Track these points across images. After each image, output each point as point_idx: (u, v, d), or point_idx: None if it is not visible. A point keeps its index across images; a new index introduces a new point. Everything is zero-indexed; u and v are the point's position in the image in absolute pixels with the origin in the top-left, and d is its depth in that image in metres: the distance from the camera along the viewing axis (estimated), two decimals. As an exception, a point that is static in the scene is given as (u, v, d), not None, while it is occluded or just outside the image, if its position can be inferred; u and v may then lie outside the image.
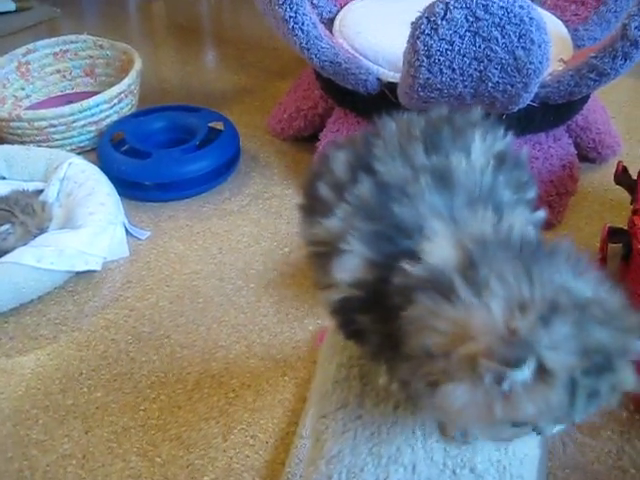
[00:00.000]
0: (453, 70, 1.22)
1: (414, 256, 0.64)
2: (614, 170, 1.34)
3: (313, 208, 0.73)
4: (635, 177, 1.31)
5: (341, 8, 1.70)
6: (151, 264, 1.44)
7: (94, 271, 1.41)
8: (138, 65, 1.83)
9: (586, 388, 0.58)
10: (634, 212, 1.14)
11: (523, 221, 0.71)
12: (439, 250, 0.65)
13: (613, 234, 1.18)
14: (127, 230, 1.50)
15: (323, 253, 0.71)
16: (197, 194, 1.60)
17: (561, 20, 1.67)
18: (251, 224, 1.51)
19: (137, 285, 1.39)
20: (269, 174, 1.66)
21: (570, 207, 1.54)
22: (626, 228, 1.16)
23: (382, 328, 0.66)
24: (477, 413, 0.60)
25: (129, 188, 1.59)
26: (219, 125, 1.68)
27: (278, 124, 1.74)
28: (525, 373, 0.57)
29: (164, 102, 1.90)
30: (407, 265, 0.64)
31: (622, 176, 1.32)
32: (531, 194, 0.74)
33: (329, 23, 1.67)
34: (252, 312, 1.31)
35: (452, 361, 0.59)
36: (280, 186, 1.62)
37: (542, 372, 0.57)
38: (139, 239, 1.50)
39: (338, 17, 1.66)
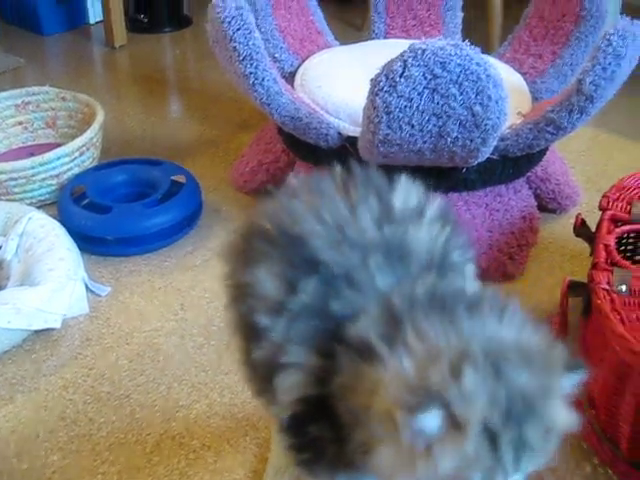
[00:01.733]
0: (412, 126, 1.23)
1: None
2: (573, 222, 1.35)
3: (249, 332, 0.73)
4: (594, 229, 1.32)
5: (303, 61, 1.72)
6: (111, 321, 1.41)
7: (53, 329, 1.38)
8: (100, 117, 1.82)
9: (509, 438, 0.58)
10: (593, 266, 1.15)
11: (467, 277, 0.71)
12: (366, 316, 0.65)
13: (573, 288, 1.18)
14: (87, 286, 1.48)
15: (263, 371, 0.71)
16: (159, 248, 1.59)
17: (519, 73, 1.70)
18: (213, 279, 1.50)
19: (96, 343, 1.37)
20: (232, 228, 1.64)
21: (531, 258, 1.55)
22: (586, 282, 1.17)
23: (336, 433, 0.65)
24: (405, 471, 0.59)
25: (90, 243, 1.57)
26: (181, 178, 1.67)
27: (240, 177, 1.74)
28: (434, 422, 0.57)
29: (127, 154, 1.90)
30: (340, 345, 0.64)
31: (581, 229, 1.33)
32: (471, 251, 0.74)
33: (291, 77, 1.68)
34: (213, 370, 1.29)
35: (374, 420, 0.60)
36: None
37: (454, 423, 0.57)
38: (99, 295, 1.48)
39: (300, 71, 1.68)
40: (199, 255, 1.58)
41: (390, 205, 0.71)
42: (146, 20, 2.84)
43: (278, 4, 1.72)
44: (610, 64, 1.31)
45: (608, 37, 1.32)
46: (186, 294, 1.47)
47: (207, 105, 2.24)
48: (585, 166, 1.93)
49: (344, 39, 1.89)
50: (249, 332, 0.72)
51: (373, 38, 1.88)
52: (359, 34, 2.52)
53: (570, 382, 0.64)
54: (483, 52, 1.71)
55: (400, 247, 0.69)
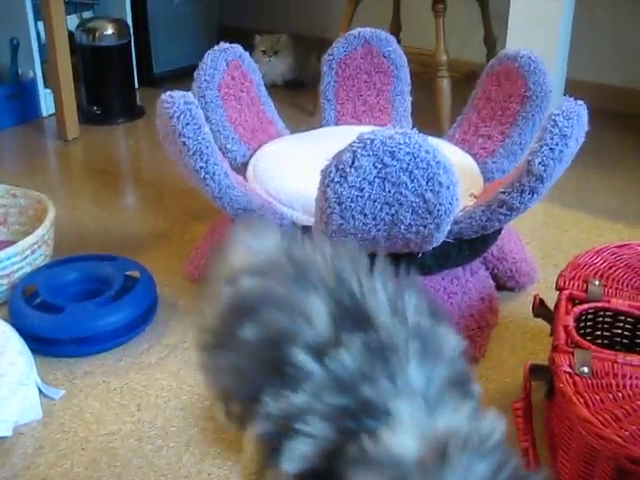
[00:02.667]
0: (365, 215, 1.23)
1: (374, 435, 0.59)
2: (532, 302, 1.35)
3: (280, 373, 0.64)
4: (553, 304, 1.32)
5: (255, 151, 1.72)
6: (65, 426, 1.36)
7: (4, 437, 1.32)
8: (52, 214, 1.79)
9: None
10: (554, 348, 1.14)
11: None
12: (402, 437, 0.59)
13: (535, 371, 1.17)
14: (40, 390, 1.43)
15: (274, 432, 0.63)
16: (114, 347, 1.55)
17: (470, 154, 1.72)
18: (170, 377, 1.46)
19: (50, 450, 1.31)
20: (188, 322, 1.62)
21: (492, 339, 1.54)
22: (547, 364, 1.15)
23: None
24: None
25: (42, 344, 1.52)
26: (136, 273, 1.65)
27: (195, 270, 1.72)
28: None
29: (80, 249, 1.87)
30: (367, 442, 0.58)
31: (540, 309, 1.33)
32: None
33: (243, 167, 1.68)
34: (173, 474, 1.24)
35: None
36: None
37: None
38: (53, 399, 1.42)
39: (252, 161, 1.68)
40: (155, 353, 1.54)
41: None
42: (99, 112, 2.85)
43: (228, 95, 1.73)
44: (557, 144, 1.33)
45: (554, 118, 1.34)
46: (143, 394, 1.42)
47: (161, 196, 2.23)
48: (540, 241, 1.95)
49: (296, 124, 1.91)
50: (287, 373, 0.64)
51: (324, 125, 1.89)
52: (311, 119, 2.54)
53: None
54: (433, 134, 1.75)
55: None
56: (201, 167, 1.37)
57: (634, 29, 2.83)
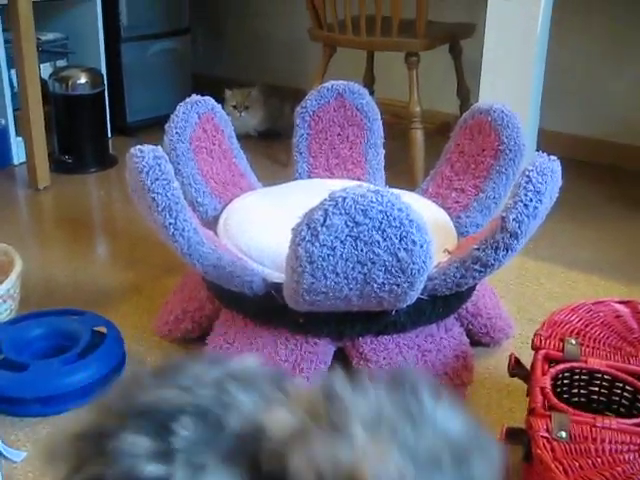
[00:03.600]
0: (337, 274, 1.21)
1: None
2: (507, 362, 1.33)
3: None
4: (528, 361, 1.29)
5: (226, 205, 1.70)
6: (26, 491, 1.31)
7: (-39, 504, 1.27)
8: (18, 267, 1.75)
9: None
10: (530, 412, 1.11)
11: None
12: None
13: (512, 435, 1.14)
14: (1, 452, 1.37)
15: None
16: (80, 406, 1.49)
17: (443, 208, 1.70)
18: (137, 438, 1.41)
19: (10, 518, 1.26)
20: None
21: (468, 397, 1.51)
22: (524, 428, 1.12)
23: None
24: None
25: (4, 403, 1.47)
26: (104, 329, 1.60)
27: (165, 326, 1.68)
28: None
29: (48, 303, 1.82)
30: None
31: (515, 369, 1.30)
32: None
33: (214, 221, 1.65)
34: None
35: None
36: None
37: None
38: (14, 461, 1.37)
39: (223, 215, 1.65)
40: (122, 412, 1.49)
41: None
42: (71, 161, 2.83)
43: (199, 148, 1.71)
44: (532, 200, 1.32)
45: (528, 174, 1.34)
46: (108, 458, 1.37)
47: (132, 248, 2.19)
48: (515, 295, 1.93)
49: (269, 176, 1.89)
50: None
51: (297, 178, 1.88)
52: (284, 171, 2.53)
53: None
54: (407, 187, 1.74)
55: None
56: (170, 223, 1.35)
57: (604, 81, 2.87)
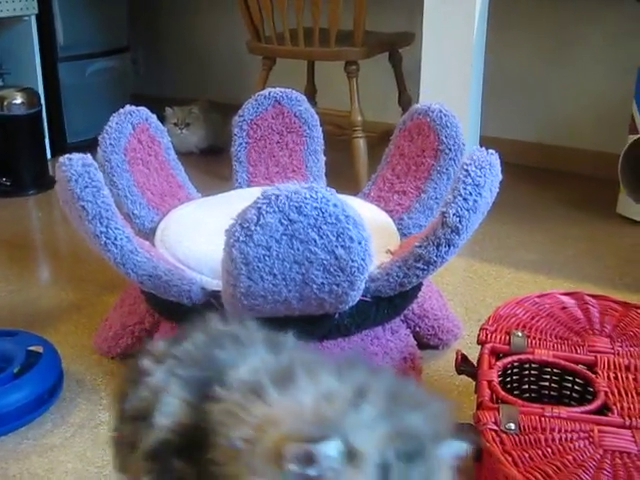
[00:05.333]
0: (274, 276, 1.17)
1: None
2: (454, 360, 1.30)
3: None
4: (476, 363, 1.27)
5: (164, 217, 1.65)
6: (-43, 522, 1.24)
7: None
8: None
9: (399, 473, 0.60)
10: (478, 406, 1.08)
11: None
12: (251, 364, 0.71)
13: (460, 432, 1.10)
14: None
15: (143, 416, 0.74)
16: (15, 429, 1.43)
17: (385, 211, 1.68)
18: (75, 459, 1.35)
19: None
20: (96, 399, 1.51)
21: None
22: (473, 424, 1.09)
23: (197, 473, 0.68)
24: None
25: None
26: (39, 348, 1.54)
27: (104, 342, 1.62)
28: (332, 452, 0.58)
29: (-17, 327, 1.75)
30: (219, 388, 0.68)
31: (462, 365, 1.27)
32: None
33: (151, 233, 1.60)
34: None
35: (256, 454, 0.61)
36: (109, 411, 1.47)
37: (352, 456, 0.59)
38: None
39: (160, 226, 1.61)
40: (59, 433, 1.42)
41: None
42: (9, 183, 2.75)
43: (135, 160, 1.67)
44: (471, 194, 1.30)
45: (466, 168, 1.32)
46: (44, 479, 1.31)
47: (72, 268, 2.13)
48: (463, 297, 1.91)
49: (211, 190, 1.84)
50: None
51: (236, 187, 1.84)
52: (227, 184, 2.50)
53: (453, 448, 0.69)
54: (351, 194, 1.71)
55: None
56: (101, 232, 1.30)
57: (544, 85, 2.89)
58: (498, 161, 1.38)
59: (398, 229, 1.63)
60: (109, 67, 3.22)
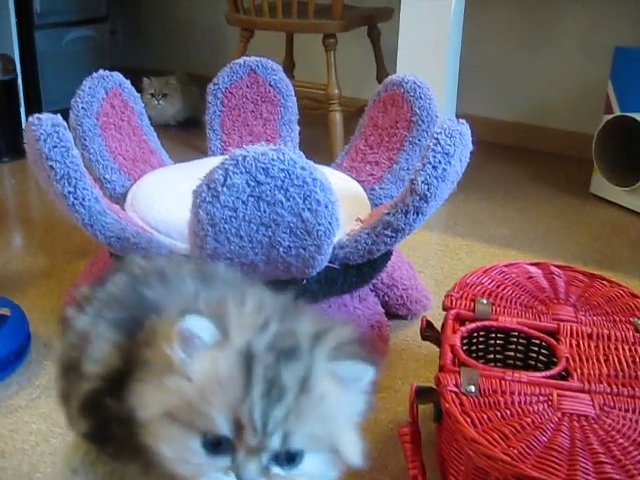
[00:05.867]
0: (241, 237, 1.17)
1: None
2: (420, 326, 1.31)
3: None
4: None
5: (135, 182, 1.64)
6: None
7: None
8: None
9: (265, 368, 0.62)
10: (440, 369, 1.09)
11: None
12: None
13: (422, 394, 1.11)
14: None
15: (74, 367, 0.75)
16: (-20, 389, 1.43)
17: (357, 181, 1.68)
18: (40, 420, 1.35)
19: None
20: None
21: (384, 367, 1.49)
22: (434, 386, 1.10)
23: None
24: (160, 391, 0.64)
25: None
26: (6, 311, 1.53)
27: (72, 306, 1.61)
28: (200, 331, 0.63)
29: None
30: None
31: (427, 331, 1.28)
32: None
33: (122, 198, 1.60)
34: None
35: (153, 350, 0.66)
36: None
37: (220, 340, 0.64)
38: None
39: (131, 190, 1.60)
40: (25, 395, 1.42)
41: None
42: (-19, 150, 2.73)
43: (107, 124, 1.66)
44: (440, 162, 1.30)
45: (436, 136, 1.32)
46: (8, 439, 1.30)
47: (44, 234, 2.11)
48: (433, 270, 1.92)
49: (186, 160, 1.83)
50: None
51: (210, 155, 1.83)
52: (204, 156, 2.49)
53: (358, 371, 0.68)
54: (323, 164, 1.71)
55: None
56: (69, 192, 1.29)
57: (520, 64, 2.90)
58: (469, 131, 1.39)
59: (370, 199, 1.63)
60: (87, 36, 3.18)
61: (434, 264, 1.96)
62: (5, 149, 2.75)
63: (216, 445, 0.63)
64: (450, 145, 1.32)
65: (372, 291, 1.55)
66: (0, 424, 1.34)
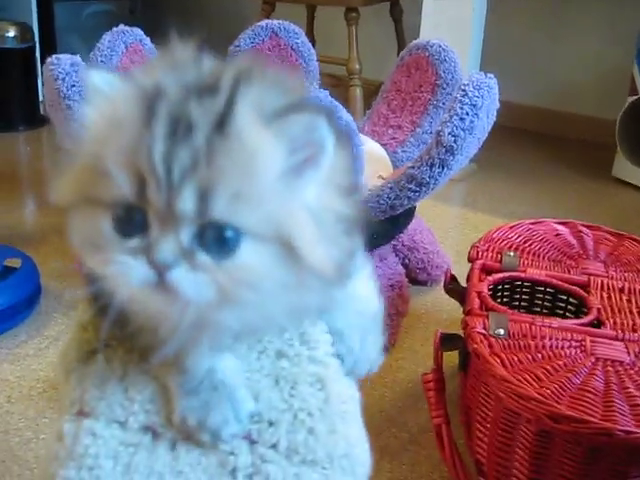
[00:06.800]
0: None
1: None
2: (443, 278, 1.27)
3: None
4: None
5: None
6: None
7: None
8: None
9: (171, 103, 0.51)
10: (467, 313, 1.05)
11: None
12: None
13: (447, 340, 1.07)
14: None
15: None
16: (-13, 336, 1.39)
17: (380, 144, 1.64)
18: (48, 368, 1.31)
19: None
20: (73, 314, 1.47)
21: (404, 329, 1.45)
22: (460, 333, 1.06)
23: None
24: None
25: None
26: (16, 263, 1.50)
27: (85, 259, 1.58)
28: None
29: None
30: None
31: (451, 283, 1.24)
32: None
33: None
34: (40, 467, 1.09)
35: None
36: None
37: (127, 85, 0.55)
38: None
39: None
40: (34, 344, 1.38)
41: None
42: (-2, 117, 2.71)
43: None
44: (467, 114, 1.26)
45: (463, 88, 1.28)
46: (15, 385, 1.27)
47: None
48: (454, 240, 1.88)
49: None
50: None
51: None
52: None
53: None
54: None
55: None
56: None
57: (545, 49, 2.86)
58: (496, 86, 1.35)
59: (392, 162, 1.59)
60: (106, 11, 3.17)
61: (454, 236, 1.92)
62: (21, 118, 2.73)
63: (127, 223, 0.52)
64: (478, 97, 1.28)
65: (393, 252, 1.51)
66: (7, 370, 1.31)
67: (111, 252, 0.52)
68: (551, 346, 0.97)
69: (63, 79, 1.25)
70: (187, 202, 0.50)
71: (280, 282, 0.53)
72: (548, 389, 0.89)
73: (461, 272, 1.64)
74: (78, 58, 1.30)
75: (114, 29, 1.64)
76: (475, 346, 0.96)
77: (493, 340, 0.97)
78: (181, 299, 0.51)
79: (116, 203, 0.52)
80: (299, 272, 0.53)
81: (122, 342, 0.66)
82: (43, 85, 2.61)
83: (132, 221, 0.52)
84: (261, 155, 0.51)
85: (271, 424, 0.63)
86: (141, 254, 0.51)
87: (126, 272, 0.52)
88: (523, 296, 1.27)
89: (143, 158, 0.50)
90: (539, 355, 0.96)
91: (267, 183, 0.52)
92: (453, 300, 1.32)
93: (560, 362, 0.94)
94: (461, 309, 1.31)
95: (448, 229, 1.95)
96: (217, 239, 0.51)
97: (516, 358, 0.94)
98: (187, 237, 0.51)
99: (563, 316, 1.23)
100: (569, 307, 1.23)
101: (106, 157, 0.51)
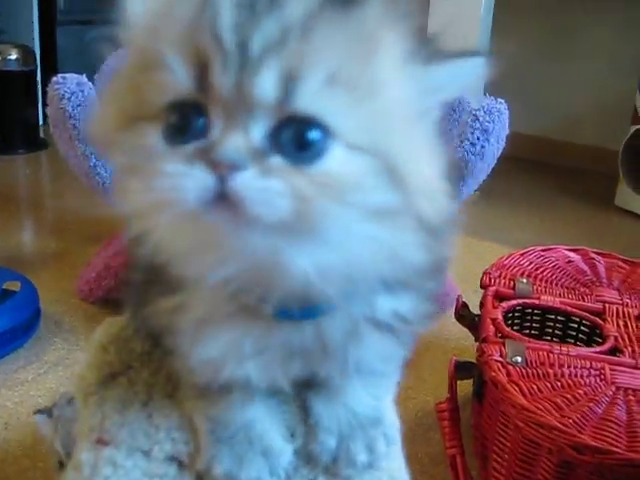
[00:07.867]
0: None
1: None
2: (454, 305, 1.24)
3: None
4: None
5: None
6: None
7: None
8: None
9: None
10: (482, 340, 1.02)
11: None
12: None
13: (461, 369, 1.04)
14: None
15: None
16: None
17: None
18: (47, 394, 1.27)
19: None
20: (74, 340, 1.44)
21: (411, 359, 1.42)
22: (474, 361, 1.03)
23: None
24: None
25: None
26: (16, 286, 1.46)
27: (86, 285, 1.55)
28: None
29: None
30: None
31: (462, 310, 1.22)
32: None
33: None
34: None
35: None
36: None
37: None
38: None
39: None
40: (32, 369, 1.35)
41: None
42: (-2, 140, 2.69)
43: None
44: (479, 139, 1.25)
45: (474, 113, 1.27)
46: (13, 411, 1.23)
47: (57, 219, 2.08)
48: (459, 268, 1.79)
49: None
50: None
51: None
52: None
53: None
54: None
55: None
56: (92, 153, 1.23)
57: (547, 79, 2.86)
58: (507, 111, 1.34)
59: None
60: (109, 35, 3.15)
61: (460, 264, 1.87)
62: (21, 141, 2.70)
63: (181, 128, 0.41)
64: (489, 122, 1.27)
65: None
66: (5, 396, 1.27)
67: (160, 165, 0.40)
68: (570, 374, 0.95)
69: (69, 98, 1.23)
70: (266, 84, 0.38)
71: (373, 204, 0.41)
72: (570, 418, 0.86)
73: (467, 300, 1.62)
74: (84, 78, 1.28)
75: (118, 51, 1.61)
76: (493, 374, 0.93)
77: (511, 368, 0.94)
78: (247, 215, 0.39)
79: (169, 104, 0.41)
80: (397, 198, 0.42)
81: (147, 363, 0.63)
82: (45, 107, 2.61)
83: (188, 125, 0.41)
84: (383, 37, 0.40)
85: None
86: (199, 159, 0.39)
87: (178, 184, 0.39)
88: (534, 324, 1.24)
89: (206, 30, 0.39)
90: (558, 383, 0.93)
91: (384, 70, 0.40)
92: (460, 328, 1.29)
93: (580, 391, 0.91)
94: (469, 337, 1.29)
95: (452, 258, 1.92)
96: (298, 140, 0.39)
97: (535, 386, 0.92)
98: (259, 134, 0.39)
99: (575, 343, 1.21)
100: (580, 335, 1.21)
101: (159, 42, 0.41)
